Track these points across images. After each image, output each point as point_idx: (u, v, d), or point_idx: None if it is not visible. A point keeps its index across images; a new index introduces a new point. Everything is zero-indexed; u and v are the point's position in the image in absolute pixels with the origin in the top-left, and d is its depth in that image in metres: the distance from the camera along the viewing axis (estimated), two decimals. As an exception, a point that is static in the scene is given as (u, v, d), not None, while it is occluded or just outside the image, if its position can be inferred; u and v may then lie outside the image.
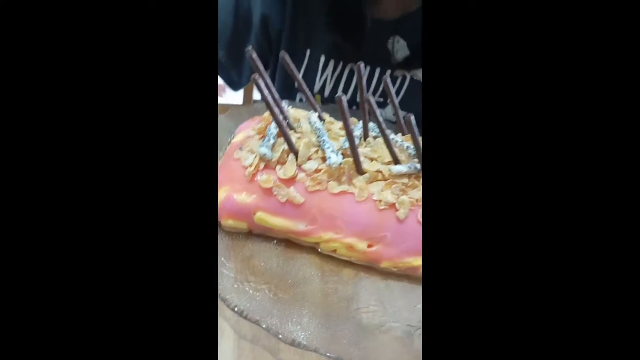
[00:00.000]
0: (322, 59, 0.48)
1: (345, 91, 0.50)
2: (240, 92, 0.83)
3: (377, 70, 0.48)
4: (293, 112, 0.36)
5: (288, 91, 0.52)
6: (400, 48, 0.47)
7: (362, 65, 0.29)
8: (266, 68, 0.54)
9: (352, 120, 0.37)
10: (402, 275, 0.29)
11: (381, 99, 0.51)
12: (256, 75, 0.24)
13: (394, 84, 0.50)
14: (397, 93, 0.50)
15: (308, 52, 0.49)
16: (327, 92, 0.51)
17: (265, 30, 0.48)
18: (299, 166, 0.29)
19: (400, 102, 0.52)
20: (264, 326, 0.21)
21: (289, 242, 0.29)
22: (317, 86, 0.50)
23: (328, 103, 0.51)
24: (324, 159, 0.29)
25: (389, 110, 0.52)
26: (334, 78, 0.50)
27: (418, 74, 0.49)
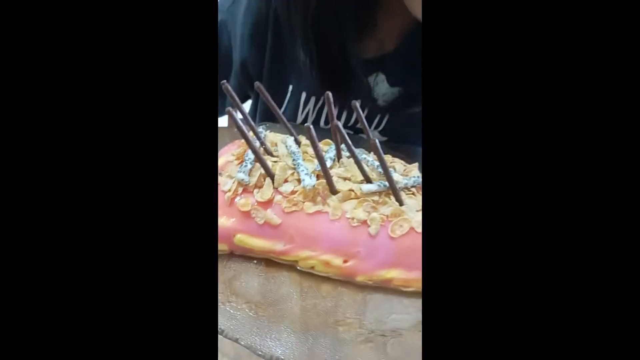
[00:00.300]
0: (304, 95, 0.50)
1: (327, 122, 0.52)
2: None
3: (358, 101, 0.50)
4: (271, 136, 0.38)
5: (272, 116, 0.54)
6: (381, 86, 0.48)
7: (330, 94, 0.31)
8: (248, 98, 0.55)
9: (326, 142, 0.39)
10: (377, 287, 0.30)
11: (361, 127, 0.53)
12: (230, 109, 0.26)
13: (376, 114, 0.51)
14: (380, 122, 0.52)
15: (290, 88, 0.50)
16: (309, 122, 0.52)
17: (245, 72, 0.49)
18: (275, 189, 0.30)
19: (381, 130, 0.53)
20: (242, 343, 0.23)
21: (269, 261, 0.31)
22: (300, 119, 0.52)
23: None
24: (299, 181, 0.31)
25: (376, 133, 0.54)
26: (315, 111, 0.51)
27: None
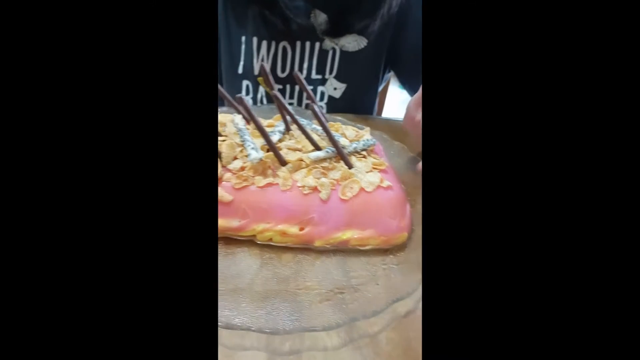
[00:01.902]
0: (255, 40, 0.53)
1: (282, 69, 0.55)
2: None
3: (307, 44, 0.53)
4: (220, 117, 0.38)
5: (234, 77, 0.56)
6: (322, 20, 0.51)
7: (265, 65, 0.31)
8: None
9: (278, 117, 0.39)
10: (336, 250, 0.31)
11: (319, 76, 0.56)
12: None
13: (326, 59, 0.54)
14: (332, 68, 0.56)
15: (243, 39, 0.54)
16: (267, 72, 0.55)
17: None
18: (224, 167, 0.31)
19: (336, 76, 0.56)
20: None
21: (228, 239, 0.31)
22: (257, 68, 0.55)
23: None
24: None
25: (328, 84, 0.56)
26: (270, 58, 0.54)
27: (345, 45, 0.54)
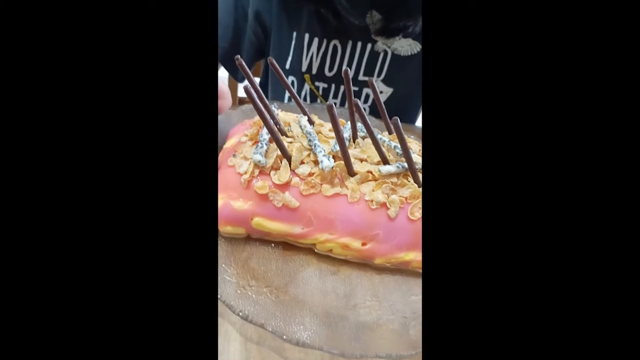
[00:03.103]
0: (307, 37, 0.52)
1: (330, 68, 0.54)
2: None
3: (359, 45, 0.52)
4: (283, 115, 0.37)
5: (280, 93, 0.56)
6: (377, 21, 0.50)
7: (349, 70, 0.29)
8: (263, 55, 0.58)
9: (341, 121, 0.38)
10: (395, 269, 0.30)
11: (366, 78, 0.54)
12: (248, 85, 0.24)
13: (376, 61, 0.53)
14: (380, 70, 0.54)
15: (294, 35, 0.52)
16: (314, 70, 0.54)
17: (260, 22, 0.53)
18: (292, 170, 0.29)
19: (384, 79, 0.55)
20: (269, 329, 0.23)
21: (287, 244, 0.30)
22: (305, 65, 0.54)
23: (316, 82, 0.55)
24: (316, 162, 0.30)
25: (380, 83, 0.55)
26: (319, 56, 0.53)
27: (398, 48, 0.52)
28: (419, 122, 0.64)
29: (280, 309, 0.25)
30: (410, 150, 0.35)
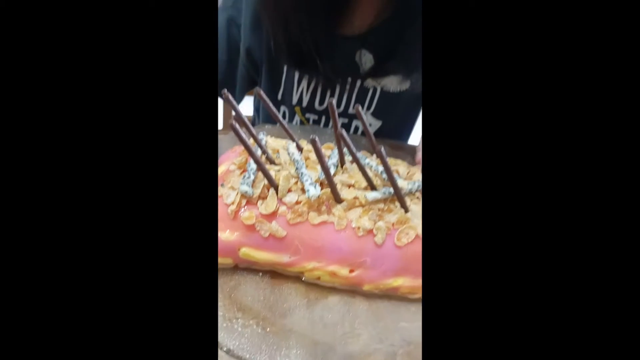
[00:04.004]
0: (297, 74, 0.52)
1: (321, 102, 0.55)
2: (220, 116, 0.89)
3: (349, 80, 0.52)
4: (272, 142, 0.37)
5: (273, 101, 0.56)
6: (367, 60, 0.50)
7: (333, 101, 0.30)
8: (255, 85, 0.60)
9: (328, 146, 0.38)
10: (384, 296, 0.30)
11: (354, 111, 0.55)
12: (232, 122, 0.25)
13: (365, 96, 0.53)
14: (370, 104, 0.55)
15: (285, 68, 0.53)
16: (305, 103, 0.55)
17: (251, 58, 0.55)
18: (279, 199, 0.30)
19: (373, 112, 0.56)
20: (254, 364, 0.22)
21: (274, 273, 0.30)
22: (295, 98, 0.55)
23: (307, 113, 0.56)
24: (303, 190, 0.30)
25: (369, 116, 0.56)
26: (309, 90, 0.54)
27: (387, 85, 0.53)
28: (411, 140, 0.65)
29: (266, 341, 0.25)
30: (397, 173, 0.36)
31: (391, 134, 0.58)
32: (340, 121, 0.56)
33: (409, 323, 0.28)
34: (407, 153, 0.47)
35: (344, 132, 0.28)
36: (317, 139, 0.25)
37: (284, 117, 0.58)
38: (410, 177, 0.36)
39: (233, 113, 0.32)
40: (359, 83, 0.52)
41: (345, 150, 0.35)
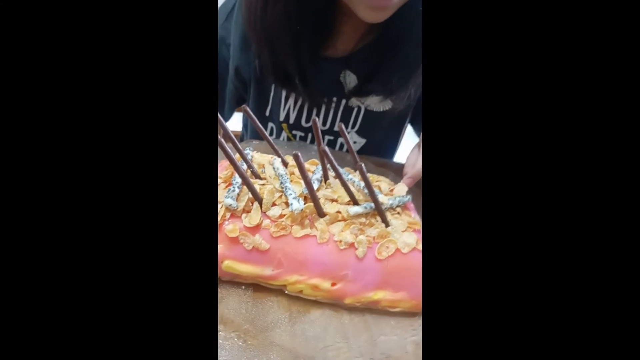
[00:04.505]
0: (284, 93, 0.54)
1: (307, 119, 0.56)
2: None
3: (334, 99, 0.54)
4: (258, 157, 0.38)
5: (261, 118, 0.59)
6: (351, 80, 0.53)
7: (317, 119, 0.32)
8: (244, 101, 0.61)
9: (313, 161, 0.39)
10: (365, 309, 0.31)
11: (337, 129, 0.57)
12: (220, 139, 0.26)
13: (350, 115, 0.55)
14: (355, 123, 0.57)
15: (273, 87, 0.55)
16: (292, 120, 0.57)
17: (239, 76, 0.56)
18: (263, 213, 0.30)
19: (357, 131, 0.58)
20: (233, 376, 0.23)
21: (257, 286, 0.31)
22: (282, 115, 0.56)
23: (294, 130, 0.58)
24: (287, 204, 0.31)
25: (349, 137, 0.57)
26: (296, 108, 0.56)
27: (370, 104, 0.55)
28: (397, 158, 0.67)
29: (247, 354, 0.25)
30: (379, 189, 0.37)
31: (375, 151, 0.59)
32: (326, 139, 0.58)
33: (389, 336, 0.29)
34: (390, 170, 0.49)
35: (327, 148, 0.30)
36: (299, 154, 0.26)
37: (271, 133, 0.59)
38: (392, 192, 0.37)
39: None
40: (344, 102, 0.54)
41: (328, 166, 0.36)
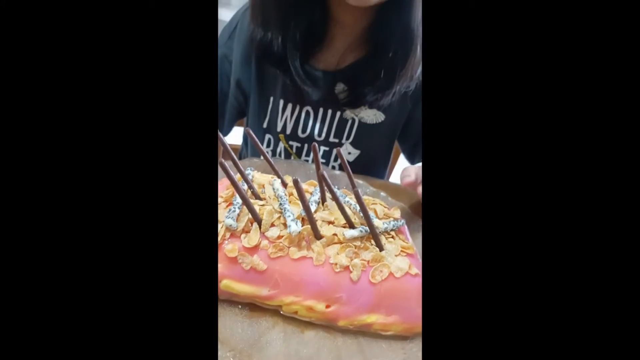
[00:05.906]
0: (281, 102, 0.57)
1: (303, 130, 0.59)
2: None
3: (329, 112, 0.57)
4: (258, 177, 0.39)
5: (259, 130, 0.61)
6: (344, 93, 0.55)
7: (316, 145, 0.33)
8: (244, 115, 0.65)
9: (312, 183, 0.41)
10: (358, 332, 0.31)
11: (336, 140, 0.60)
12: (221, 160, 0.27)
13: (344, 126, 0.58)
14: (349, 134, 0.59)
15: (271, 99, 0.58)
16: (289, 130, 0.60)
17: (240, 89, 0.60)
18: (262, 233, 0.31)
19: (352, 142, 0.60)
20: (227, 397, 0.23)
21: (253, 306, 0.31)
22: (280, 126, 0.59)
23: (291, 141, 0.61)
24: (285, 225, 0.32)
25: (344, 148, 0.59)
26: (293, 119, 0.58)
27: (364, 117, 0.57)
28: (392, 178, 0.68)
29: (241, 374, 0.25)
30: (374, 213, 0.38)
31: (369, 162, 0.61)
32: (322, 149, 0.59)
33: (381, 359, 0.30)
34: (390, 191, 0.50)
35: (325, 173, 0.31)
36: (299, 180, 0.27)
37: (269, 144, 0.62)
38: (387, 216, 0.38)
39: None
40: (338, 114, 0.57)
41: (326, 188, 0.37)
